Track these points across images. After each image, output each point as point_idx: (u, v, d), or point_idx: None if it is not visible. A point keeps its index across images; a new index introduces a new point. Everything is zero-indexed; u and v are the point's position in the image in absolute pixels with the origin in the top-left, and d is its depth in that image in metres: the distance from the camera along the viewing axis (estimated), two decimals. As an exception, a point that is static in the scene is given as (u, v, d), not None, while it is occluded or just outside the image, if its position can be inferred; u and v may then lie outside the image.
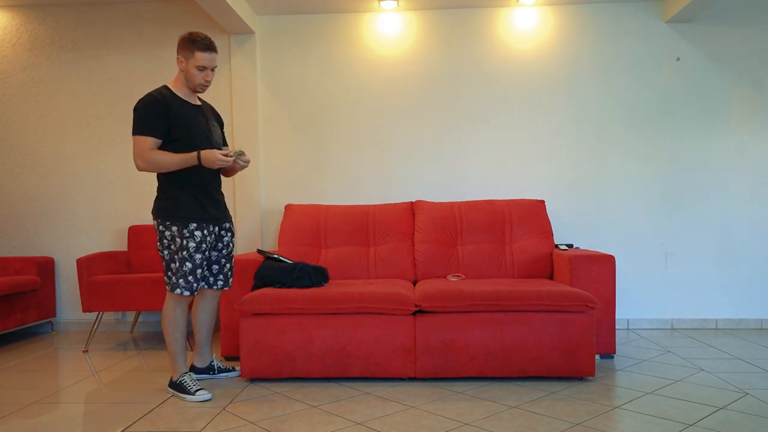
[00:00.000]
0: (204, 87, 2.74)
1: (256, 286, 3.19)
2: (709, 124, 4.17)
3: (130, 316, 4.40)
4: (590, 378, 2.95)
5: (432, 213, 3.85)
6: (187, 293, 2.70)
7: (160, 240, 2.72)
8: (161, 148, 2.66)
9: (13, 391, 2.92)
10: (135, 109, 2.64)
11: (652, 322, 4.19)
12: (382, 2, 4.11)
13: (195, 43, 2.64)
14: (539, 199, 4.06)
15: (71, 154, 4.41)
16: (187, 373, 2.79)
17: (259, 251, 3.47)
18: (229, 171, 2.89)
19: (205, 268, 2.84)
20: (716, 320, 4.17)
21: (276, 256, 3.33)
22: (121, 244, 4.39)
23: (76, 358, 3.59)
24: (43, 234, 4.42)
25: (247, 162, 2.75)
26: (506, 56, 4.24)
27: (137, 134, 2.61)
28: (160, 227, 2.71)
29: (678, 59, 4.17)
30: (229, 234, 2.93)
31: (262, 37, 4.31)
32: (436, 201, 4.04)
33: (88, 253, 4.36)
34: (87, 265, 3.77)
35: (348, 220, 3.87)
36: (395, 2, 4.11)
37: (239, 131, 4.25)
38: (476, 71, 4.25)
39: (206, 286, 2.92)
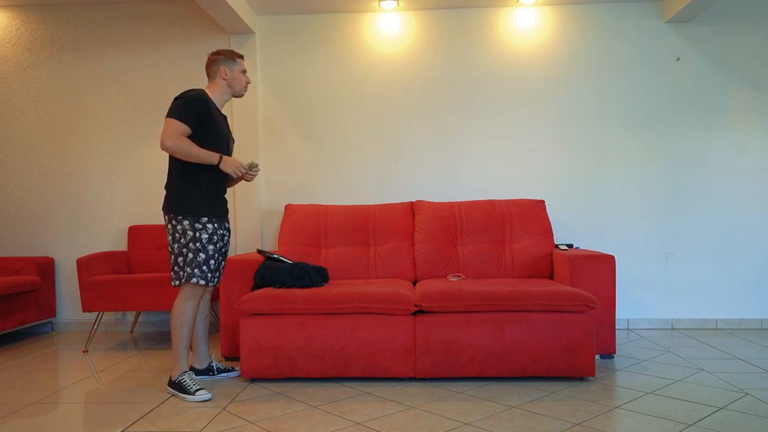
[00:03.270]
0: (246, 90, 2.98)
1: (256, 286, 3.19)
2: (709, 124, 4.17)
3: (130, 316, 4.40)
4: (590, 378, 2.95)
5: (432, 213, 3.85)
6: (202, 282, 2.75)
7: (172, 234, 2.78)
8: None
9: (13, 391, 2.92)
10: (178, 98, 2.75)
11: (652, 322, 4.19)
12: (382, 2, 4.11)
13: (234, 53, 2.92)
14: (539, 199, 4.06)
15: (71, 154, 4.41)
16: (186, 372, 2.79)
17: (259, 251, 3.47)
18: (233, 180, 3.00)
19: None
20: (716, 320, 4.17)
21: (276, 256, 3.33)
22: (121, 244, 4.39)
23: (76, 358, 3.59)
24: (43, 234, 4.42)
25: (256, 173, 2.87)
26: (506, 56, 4.24)
27: (173, 117, 2.69)
28: (172, 222, 2.76)
29: (678, 59, 4.17)
30: (228, 233, 2.99)
31: (262, 37, 4.31)
32: (436, 201, 4.03)
33: (88, 253, 4.36)
34: (87, 265, 3.77)
35: (348, 220, 3.87)
36: (395, 2, 4.11)
37: (239, 131, 4.25)
38: (476, 71, 4.25)
39: None
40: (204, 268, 2.75)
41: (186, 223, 2.74)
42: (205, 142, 2.75)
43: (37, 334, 4.33)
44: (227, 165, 2.74)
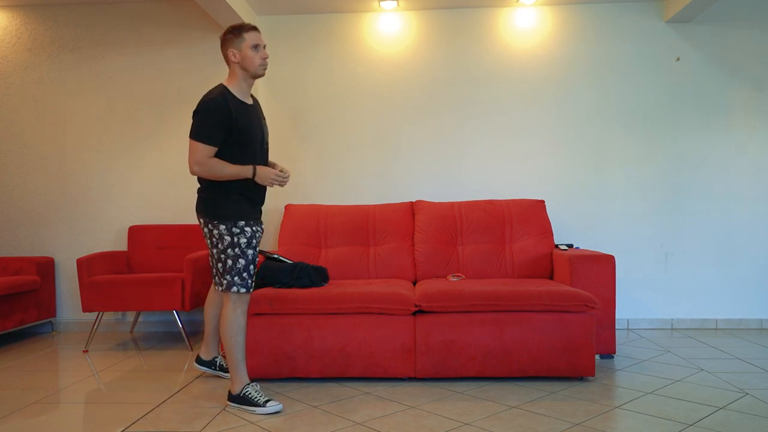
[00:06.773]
0: (264, 67, 2.61)
1: (256, 286, 3.19)
2: (709, 124, 4.17)
3: (130, 316, 4.40)
4: (590, 378, 2.95)
5: (432, 213, 3.85)
6: (243, 290, 2.57)
7: (209, 238, 2.61)
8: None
9: (13, 391, 2.92)
10: (197, 112, 2.51)
11: (652, 322, 4.19)
12: (382, 2, 4.11)
13: (240, 29, 2.58)
14: (539, 199, 4.06)
15: (71, 154, 4.40)
16: (249, 384, 2.60)
17: (260, 251, 3.46)
18: None
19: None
20: (716, 320, 4.17)
21: (276, 256, 3.33)
22: (121, 244, 4.39)
23: (76, 358, 3.59)
24: (43, 234, 4.42)
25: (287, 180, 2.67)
26: (506, 56, 4.24)
27: (197, 140, 2.48)
28: (208, 226, 2.58)
29: (678, 59, 4.17)
30: (259, 234, 2.80)
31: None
32: (436, 201, 4.03)
33: (88, 253, 4.36)
34: (87, 265, 3.77)
35: (348, 220, 3.87)
36: (395, 2, 4.11)
37: (239, 131, 4.24)
38: (476, 71, 4.25)
39: None
40: (244, 275, 2.57)
41: (222, 227, 2.55)
42: (235, 147, 2.54)
43: (37, 334, 4.33)
44: (263, 178, 2.56)
